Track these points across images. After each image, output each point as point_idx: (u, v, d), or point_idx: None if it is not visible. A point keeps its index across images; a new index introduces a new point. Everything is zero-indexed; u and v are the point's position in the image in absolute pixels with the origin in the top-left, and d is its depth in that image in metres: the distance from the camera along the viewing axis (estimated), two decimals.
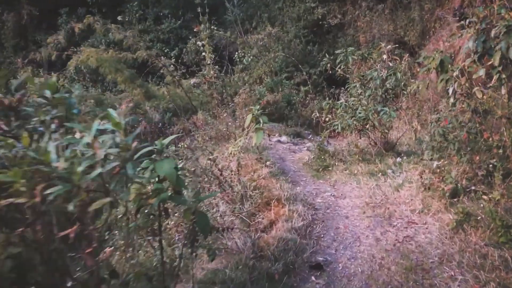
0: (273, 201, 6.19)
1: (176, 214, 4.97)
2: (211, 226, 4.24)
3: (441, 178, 6.71)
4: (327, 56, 9.28)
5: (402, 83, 9.12)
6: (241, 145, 8.07)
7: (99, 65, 12.25)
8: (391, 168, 8.09)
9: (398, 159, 8.00)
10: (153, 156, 3.92)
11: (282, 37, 20.64)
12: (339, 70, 8.96)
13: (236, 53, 17.21)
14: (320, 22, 21.24)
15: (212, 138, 9.97)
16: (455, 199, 6.44)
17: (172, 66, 14.09)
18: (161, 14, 22.93)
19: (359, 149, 8.81)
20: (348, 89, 9.40)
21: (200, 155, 9.05)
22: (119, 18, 22.97)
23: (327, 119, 9.10)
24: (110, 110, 3.06)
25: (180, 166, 5.40)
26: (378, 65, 8.63)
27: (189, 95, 13.37)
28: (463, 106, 7.06)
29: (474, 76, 6.85)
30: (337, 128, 8.58)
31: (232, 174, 6.74)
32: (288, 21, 21.69)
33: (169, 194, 3.74)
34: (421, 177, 6.94)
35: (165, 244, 4.30)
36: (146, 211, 3.90)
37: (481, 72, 6.41)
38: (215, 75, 13.95)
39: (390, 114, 8.22)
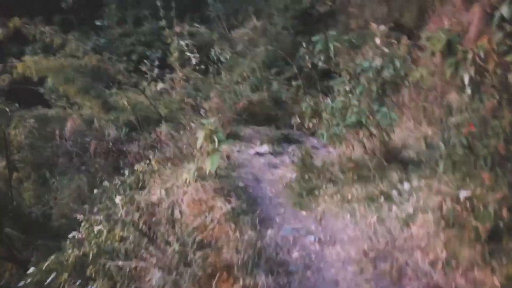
0: (222, 272, 3.84)
1: None
2: None
3: (471, 210, 4.33)
4: (303, 45, 6.81)
5: (402, 72, 6.70)
6: (195, 172, 5.75)
7: (45, 75, 9.96)
8: (396, 188, 5.71)
9: (410, 185, 5.58)
10: None
11: (269, 29, 18.27)
12: (319, 62, 6.54)
13: (213, 49, 14.82)
14: (309, 11, 18.79)
15: (172, 157, 7.63)
16: (495, 243, 4.09)
17: (123, 70, 11.68)
18: (141, 16, 20.53)
19: (354, 163, 6.41)
20: (335, 86, 7.00)
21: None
22: (97, 22, 20.71)
23: (310, 124, 6.72)
24: None
25: None
26: (371, 52, 6.24)
27: (154, 103, 11.04)
28: (494, 101, 4.66)
29: (510, 59, 4.46)
30: (322, 138, 6.21)
31: (168, 226, 4.41)
32: (275, 12, 19.24)
33: None
34: (441, 209, 4.56)
35: None
36: None
37: None
38: (184, 77, 11.60)
39: (389, 115, 5.84)
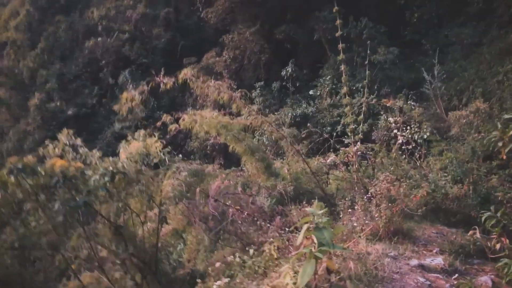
0: None
1: None
2: None
3: None
4: None
5: None
6: (292, 280, 4.05)
7: (210, 130, 9.45)
8: None
9: None
10: None
11: (497, 114, 14.99)
12: None
13: (407, 128, 12.67)
14: None
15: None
16: None
17: (289, 135, 10.40)
18: (354, 88, 19.60)
19: None
20: None
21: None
22: (310, 92, 20.69)
23: (497, 245, 4.24)
24: None
25: None
26: None
27: (320, 177, 9.47)
28: None
29: None
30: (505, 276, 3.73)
31: None
32: (509, 97, 15.85)
33: None
34: None
35: None
36: None
37: None
38: (359, 152, 9.85)
39: None
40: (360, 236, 6.43)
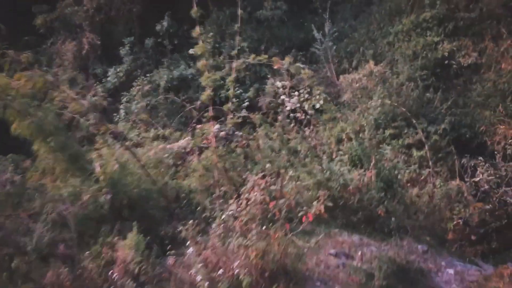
0: None
1: None
2: None
3: None
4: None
5: None
6: None
7: None
8: None
9: None
10: None
11: (390, 79, 12.92)
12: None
13: (297, 92, 9.92)
14: (446, 62, 13.33)
15: None
16: None
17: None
18: (240, 47, 16.39)
19: None
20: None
21: None
22: (191, 51, 17.10)
23: None
24: None
25: None
26: None
27: (151, 172, 6.04)
28: None
29: None
30: None
31: None
32: (400, 59, 14.07)
33: None
34: None
35: None
36: None
37: None
38: (222, 133, 6.78)
39: None
40: None
